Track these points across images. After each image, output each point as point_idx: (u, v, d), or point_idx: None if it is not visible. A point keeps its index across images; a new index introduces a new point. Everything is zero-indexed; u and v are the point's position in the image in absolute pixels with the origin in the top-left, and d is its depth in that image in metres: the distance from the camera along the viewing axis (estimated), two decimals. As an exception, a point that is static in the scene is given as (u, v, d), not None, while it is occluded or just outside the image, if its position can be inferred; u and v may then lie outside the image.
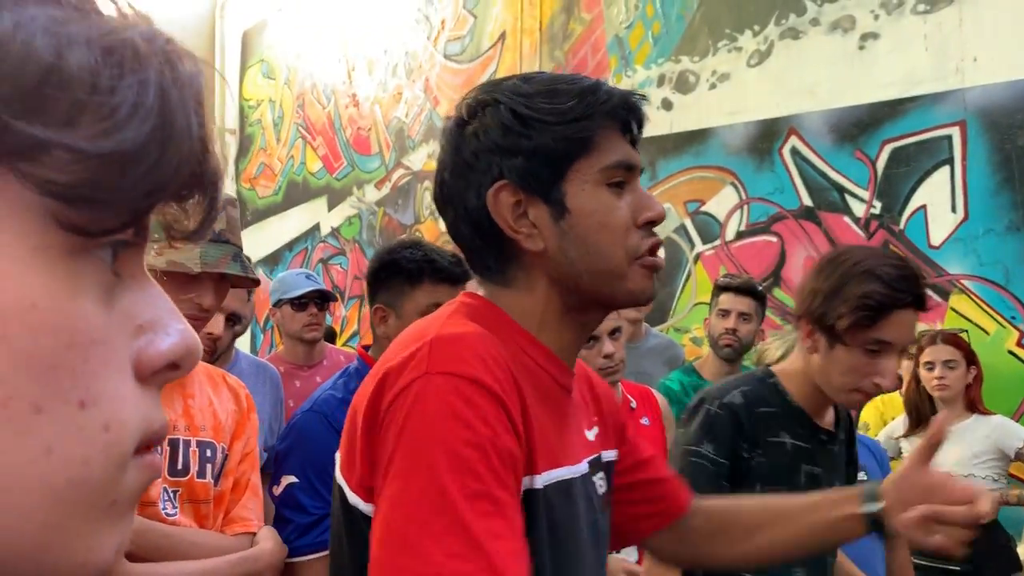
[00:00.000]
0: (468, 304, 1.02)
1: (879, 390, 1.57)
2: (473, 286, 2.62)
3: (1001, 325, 3.70)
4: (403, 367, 0.88)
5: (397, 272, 2.01)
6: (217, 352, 2.28)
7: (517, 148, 0.95)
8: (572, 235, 0.96)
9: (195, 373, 1.73)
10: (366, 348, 2.13)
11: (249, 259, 1.72)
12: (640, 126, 1.01)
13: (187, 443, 1.63)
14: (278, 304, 3.36)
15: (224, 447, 1.70)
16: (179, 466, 1.61)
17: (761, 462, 1.59)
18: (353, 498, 0.92)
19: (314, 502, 1.88)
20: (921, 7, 4.06)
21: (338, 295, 7.65)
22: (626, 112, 0.99)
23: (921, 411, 3.36)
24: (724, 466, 1.60)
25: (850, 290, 1.54)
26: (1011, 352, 3.69)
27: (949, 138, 3.94)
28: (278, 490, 1.92)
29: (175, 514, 1.57)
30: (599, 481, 1.08)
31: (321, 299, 3.30)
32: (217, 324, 2.20)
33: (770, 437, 1.61)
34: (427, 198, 6.83)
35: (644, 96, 1.01)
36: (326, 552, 1.89)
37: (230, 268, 1.60)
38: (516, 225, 0.96)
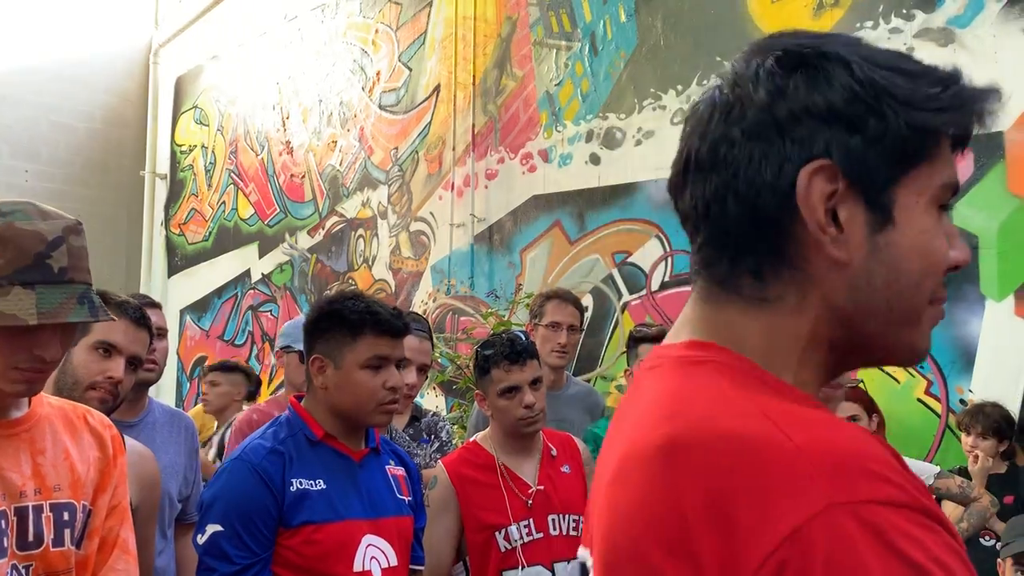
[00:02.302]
0: (721, 363, 0.74)
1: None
2: (411, 341, 2.55)
3: (911, 375, 3.87)
4: (762, 497, 0.60)
5: (339, 323, 2.01)
6: (120, 397, 2.09)
7: (861, 124, 0.71)
8: (886, 253, 0.72)
9: (48, 420, 1.49)
10: (299, 399, 2.11)
11: (103, 296, 1.47)
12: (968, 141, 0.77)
13: (38, 509, 1.41)
14: (287, 349, 3.19)
15: (86, 504, 1.49)
16: (30, 538, 1.40)
17: None
18: None
19: (238, 551, 1.86)
20: (833, 72, 4.30)
21: (268, 342, 7.58)
22: (983, 118, 0.74)
23: None
24: None
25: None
26: (920, 400, 3.86)
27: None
28: (202, 539, 1.90)
29: None
30: None
31: None
32: (118, 368, 2.01)
33: None
34: (361, 245, 6.85)
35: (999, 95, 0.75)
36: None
37: (74, 315, 1.35)
38: (824, 222, 0.72)
